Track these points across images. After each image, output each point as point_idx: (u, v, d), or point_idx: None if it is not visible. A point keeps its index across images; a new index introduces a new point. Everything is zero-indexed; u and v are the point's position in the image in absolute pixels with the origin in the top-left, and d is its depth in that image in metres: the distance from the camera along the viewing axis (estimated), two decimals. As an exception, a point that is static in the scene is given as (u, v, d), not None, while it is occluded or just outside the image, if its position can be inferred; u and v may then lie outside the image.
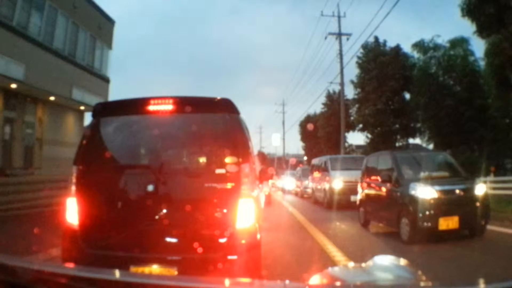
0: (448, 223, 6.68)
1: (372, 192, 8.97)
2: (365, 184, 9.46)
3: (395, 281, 1.53)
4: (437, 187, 6.92)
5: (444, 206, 6.83)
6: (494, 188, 13.58)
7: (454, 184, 7.34)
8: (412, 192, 6.97)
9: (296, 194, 24.71)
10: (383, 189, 8.20)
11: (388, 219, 7.94)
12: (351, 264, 4.04)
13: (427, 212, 6.75)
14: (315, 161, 19.19)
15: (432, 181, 7.10)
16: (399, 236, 7.11)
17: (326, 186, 15.08)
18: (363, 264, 1.72)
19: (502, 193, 12.88)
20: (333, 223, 10.39)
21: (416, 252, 6.30)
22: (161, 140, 3.70)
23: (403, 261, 1.69)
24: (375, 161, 9.41)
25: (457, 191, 7.15)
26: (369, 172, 9.43)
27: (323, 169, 16.32)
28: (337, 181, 14.31)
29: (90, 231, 3.26)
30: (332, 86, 33.31)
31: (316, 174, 17.50)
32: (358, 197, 9.75)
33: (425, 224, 6.70)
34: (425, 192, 6.86)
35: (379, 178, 8.31)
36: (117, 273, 1.31)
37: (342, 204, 13.60)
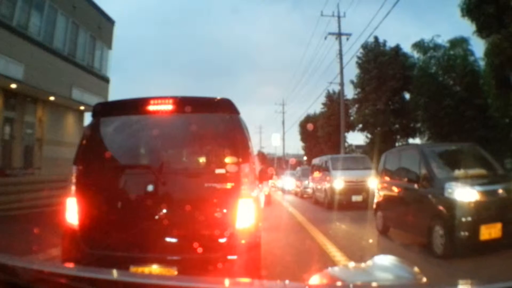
0: (491, 231, 5.49)
1: (393, 194, 7.73)
2: (383, 185, 8.29)
3: (395, 281, 1.53)
4: (478, 188, 5.76)
5: (486, 211, 5.69)
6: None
7: (494, 183, 6.14)
8: (449, 194, 5.79)
9: (296, 194, 24.58)
10: (408, 190, 6.93)
11: (414, 227, 6.68)
12: (351, 264, 4.04)
13: (467, 219, 5.55)
14: (315, 161, 18.98)
15: (471, 180, 5.96)
16: (429, 248, 5.94)
17: (327, 186, 14.85)
18: (363, 264, 1.72)
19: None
20: (342, 228, 9.52)
21: (461, 270, 5.15)
22: (161, 140, 3.70)
23: (403, 261, 1.69)
24: (396, 157, 8.13)
25: (500, 192, 5.95)
26: (388, 170, 8.19)
27: (324, 169, 16.05)
28: (338, 181, 14.06)
29: (90, 231, 3.26)
30: (332, 86, 33.34)
31: (317, 174, 17.31)
32: (375, 199, 8.57)
33: (464, 233, 5.49)
34: (465, 194, 5.68)
35: (402, 177, 7.20)
36: (117, 273, 1.31)
37: (343, 204, 13.46)
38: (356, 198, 13.81)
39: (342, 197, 13.79)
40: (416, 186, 6.61)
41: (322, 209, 14.62)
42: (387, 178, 8.22)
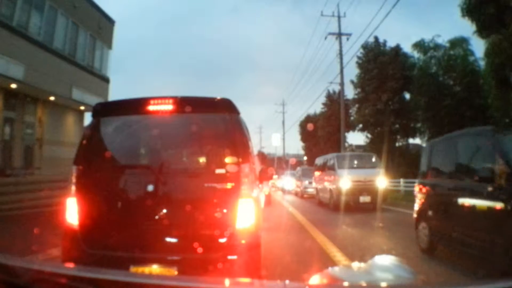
0: None
1: (446, 198, 5.71)
2: (429, 186, 6.40)
3: (395, 281, 1.53)
4: None
5: None
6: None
7: None
8: None
9: (296, 194, 24.30)
10: (475, 193, 4.91)
11: (483, 247, 4.58)
12: (351, 264, 4.03)
13: None
14: (319, 160, 18.00)
15: None
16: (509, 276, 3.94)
17: (333, 186, 14.05)
18: (363, 264, 1.72)
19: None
20: (362, 243, 7.34)
21: None
22: (161, 140, 3.70)
23: (403, 261, 1.70)
24: (450, 148, 6.00)
25: None
26: (438, 165, 6.40)
27: (329, 167, 15.04)
28: (345, 181, 13.18)
29: (90, 231, 3.25)
30: (332, 86, 33.43)
31: (321, 174, 16.55)
32: (416, 206, 6.77)
33: None
34: None
35: (462, 175, 5.41)
36: (117, 273, 1.31)
37: (351, 205, 12.78)
38: (364, 199, 13.08)
39: (349, 197, 12.98)
40: (489, 187, 4.63)
41: (327, 210, 13.81)
42: (434, 177, 6.39)
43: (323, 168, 16.31)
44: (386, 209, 13.15)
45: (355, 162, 14.57)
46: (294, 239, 7.62)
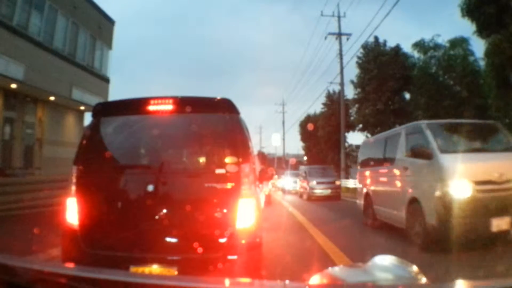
0: None
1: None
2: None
3: (395, 281, 1.53)
4: None
5: None
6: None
7: None
8: None
9: (300, 195, 21.59)
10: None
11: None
12: (351, 264, 4.03)
13: None
14: (370, 144, 10.08)
15: None
16: None
17: (430, 193, 6.21)
18: (363, 264, 1.72)
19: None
20: None
21: None
22: (161, 140, 3.70)
23: (403, 261, 1.69)
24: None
25: None
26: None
27: (419, 152, 6.68)
28: (462, 183, 5.86)
29: (90, 231, 3.25)
30: (332, 86, 33.44)
31: (375, 167, 8.88)
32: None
33: None
34: None
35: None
36: (117, 273, 1.31)
37: (471, 238, 5.73)
38: (501, 223, 5.78)
39: (472, 220, 5.74)
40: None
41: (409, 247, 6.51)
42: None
43: (382, 157, 8.41)
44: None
45: (475, 141, 7.07)
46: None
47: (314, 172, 20.70)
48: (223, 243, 3.16)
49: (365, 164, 9.53)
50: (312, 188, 19.51)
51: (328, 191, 19.40)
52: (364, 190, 9.16)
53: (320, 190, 19.26)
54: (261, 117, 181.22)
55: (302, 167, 24.09)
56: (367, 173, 9.25)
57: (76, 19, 15.80)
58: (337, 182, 20.56)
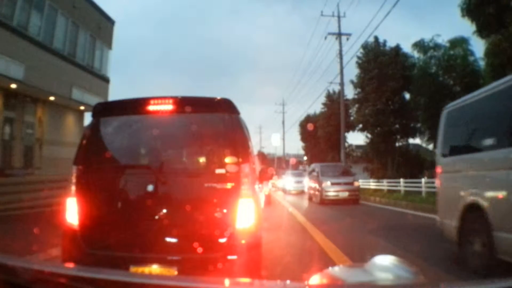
0: None
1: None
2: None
3: (395, 281, 1.53)
4: None
5: None
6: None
7: None
8: None
9: (310, 198, 19.02)
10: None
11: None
12: (351, 264, 4.03)
13: None
14: (493, 92, 5.30)
15: None
16: None
17: None
18: (363, 264, 1.72)
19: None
20: None
21: None
22: (161, 140, 3.70)
23: (403, 261, 1.69)
24: None
25: None
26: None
27: None
28: None
29: (90, 231, 3.26)
30: (332, 86, 33.43)
31: None
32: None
33: None
34: None
35: None
36: (117, 273, 1.31)
37: None
38: None
39: None
40: None
41: None
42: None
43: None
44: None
45: None
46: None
47: (328, 171, 17.99)
48: (223, 243, 3.16)
49: (461, 150, 5.50)
50: (325, 190, 16.64)
51: (346, 194, 16.59)
52: (461, 201, 4.97)
53: (335, 193, 16.55)
54: (261, 117, 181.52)
55: (313, 165, 21.11)
56: (470, 168, 5.09)
57: (76, 19, 15.80)
58: (356, 183, 17.58)
